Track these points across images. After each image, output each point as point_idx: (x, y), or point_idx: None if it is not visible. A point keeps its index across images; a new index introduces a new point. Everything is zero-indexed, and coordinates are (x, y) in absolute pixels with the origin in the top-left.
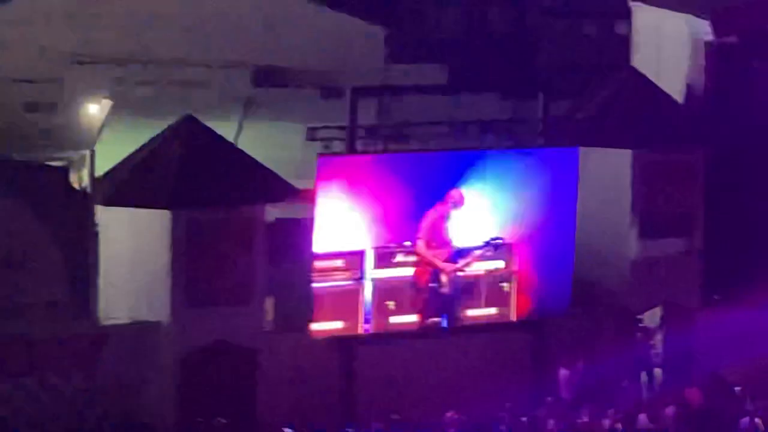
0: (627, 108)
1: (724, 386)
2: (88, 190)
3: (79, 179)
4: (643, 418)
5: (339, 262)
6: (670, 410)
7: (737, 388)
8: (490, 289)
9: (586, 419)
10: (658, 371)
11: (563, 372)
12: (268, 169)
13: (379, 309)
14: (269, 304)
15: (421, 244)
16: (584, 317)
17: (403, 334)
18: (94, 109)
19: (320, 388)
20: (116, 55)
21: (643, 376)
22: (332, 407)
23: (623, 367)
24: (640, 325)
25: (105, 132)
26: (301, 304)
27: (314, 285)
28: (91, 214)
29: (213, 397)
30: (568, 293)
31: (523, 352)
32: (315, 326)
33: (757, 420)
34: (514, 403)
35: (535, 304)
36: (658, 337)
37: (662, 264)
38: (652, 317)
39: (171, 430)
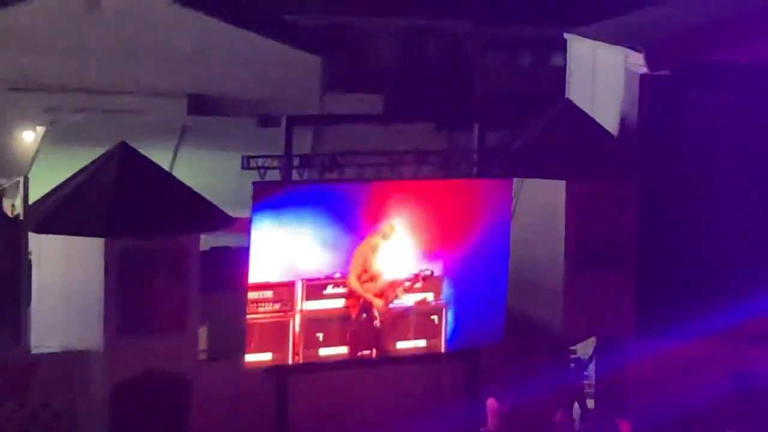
0: (561, 139)
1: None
2: (21, 217)
3: (12, 206)
4: None
5: (269, 293)
6: None
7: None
8: (419, 320)
9: None
10: (590, 402)
11: (491, 402)
12: (203, 197)
13: (309, 340)
14: (203, 333)
15: (352, 277)
16: (517, 348)
17: (337, 365)
18: (28, 136)
19: (253, 418)
20: (51, 82)
21: (576, 407)
22: None
23: (556, 398)
24: (573, 355)
25: (39, 159)
26: (234, 333)
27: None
28: (24, 241)
29: (145, 427)
30: (502, 324)
31: (456, 382)
32: (247, 356)
33: None
34: None
35: (469, 334)
36: (591, 368)
37: (595, 294)
38: (584, 348)
39: None
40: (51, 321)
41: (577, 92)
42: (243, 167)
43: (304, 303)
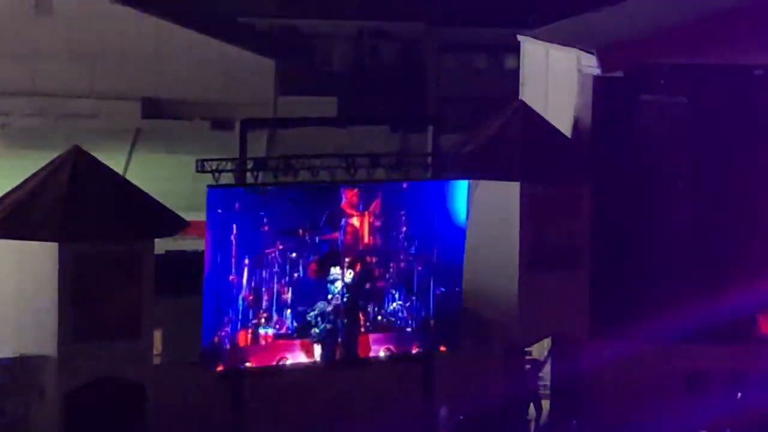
0: (515, 141)
1: None
2: None
3: None
4: None
5: None
6: None
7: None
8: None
9: None
10: (545, 402)
11: (444, 410)
12: (157, 201)
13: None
14: (158, 337)
15: None
16: (473, 350)
17: (292, 369)
18: None
19: (211, 421)
20: (2, 87)
21: (531, 408)
22: None
23: (511, 399)
24: (529, 357)
25: None
26: (190, 337)
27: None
28: None
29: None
30: (458, 326)
31: (412, 385)
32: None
33: None
34: None
35: (424, 338)
36: (546, 369)
37: (550, 296)
38: (540, 349)
39: None
40: (4, 327)
41: (530, 94)
42: (197, 170)
43: None
